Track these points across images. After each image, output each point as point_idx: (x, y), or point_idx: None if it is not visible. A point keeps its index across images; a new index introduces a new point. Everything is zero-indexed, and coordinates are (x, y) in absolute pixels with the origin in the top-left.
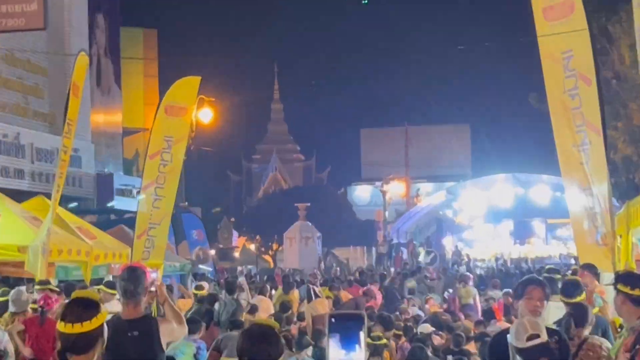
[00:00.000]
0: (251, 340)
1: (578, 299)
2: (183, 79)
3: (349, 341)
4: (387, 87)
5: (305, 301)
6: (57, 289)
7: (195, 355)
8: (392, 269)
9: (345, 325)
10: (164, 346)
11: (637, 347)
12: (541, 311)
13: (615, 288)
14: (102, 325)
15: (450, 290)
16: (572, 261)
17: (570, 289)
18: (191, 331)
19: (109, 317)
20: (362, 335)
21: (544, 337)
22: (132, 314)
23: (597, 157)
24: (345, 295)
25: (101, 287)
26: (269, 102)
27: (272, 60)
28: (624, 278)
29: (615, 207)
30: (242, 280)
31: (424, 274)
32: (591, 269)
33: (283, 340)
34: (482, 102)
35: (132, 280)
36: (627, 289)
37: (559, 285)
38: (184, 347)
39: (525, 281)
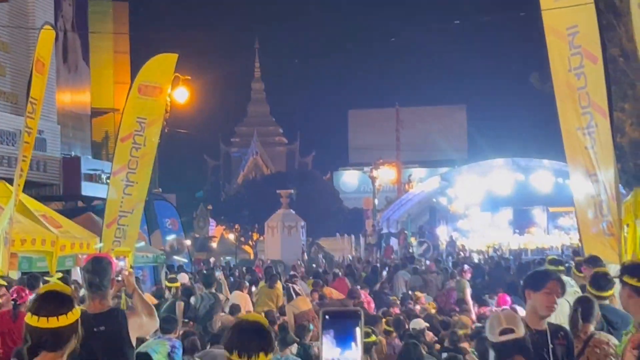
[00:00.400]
0: (243, 335)
1: (609, 292)
2: (158, 56)
3: (344, 339)
4: (377, 65)
5: (285, 300)
6: (4, 282)
7: (169, 354)
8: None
9: (340, 322)
10: (133, 341)
11: None
12: (555, 308)
13: (621, 280)
14: (77, 320)
15: (450, 284)
16: (572, 252)
17: (602, 282)
18: (166, 331)
19: None
20: (358, 332)
21: (520, 332)
22: (98, 308)
23: (604, 140)
24: (329, 292)
25: (55, 279)
26: (249, 81)
27: (253, 35)
28: (630, 269)
29: (622, 195)
30: (219, 274)
31: (417, 267)
32: (594, 262)
33: (273, 335)
34: (479, 82)
35: (97, 272)
36: (634, 281)
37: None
38: (158, 346)
39: (547, 275)
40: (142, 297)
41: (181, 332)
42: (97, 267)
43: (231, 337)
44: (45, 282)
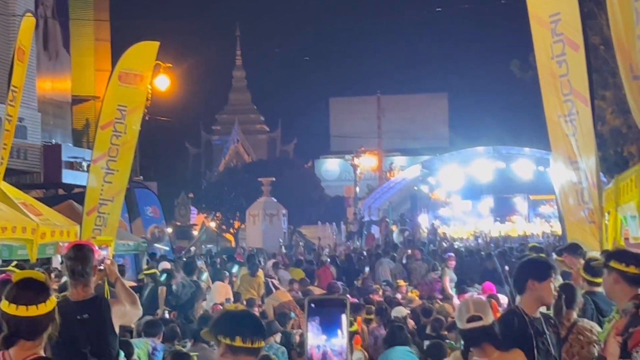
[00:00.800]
0: (241, 322)
1: (600, 279)
2: (139, 44)
3: (329, 326)
4: (359, 53)
5: (264, 294)
6: None
7: (149, 355)
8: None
9: (326, 310)
10: (117, 329)
11: (631, 330)
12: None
13: (607, 266)
14: (54, 308)
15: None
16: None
17: (596, 268)
18: (150, 334)
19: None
20: (344, 319)
21: (488, 320)
22: (81, 295)
23: (585, 128)
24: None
25: (11, 267)
26: (231, 69)
27: (234, 23)
28: (617, 255)
29: (602, 183)
30: (201, 264)
31: (397, 254)
32: (574, 249)
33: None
34: (461, 70)
35: (79, 259)
36: (621, 267)
37: None
38: (140, 343)
39: (549, 265)
40: (124, 286)
41: (159, 318)
42: (79, 255)
43: (231, 323)
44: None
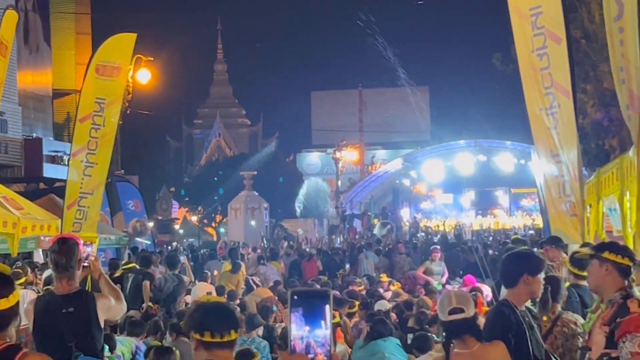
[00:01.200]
0: (212, 315)
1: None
2: (116, 36)
3: (313, 317)
4: (340, 47)
5: (244, 291)
6: None
7: (133, 354)
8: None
9: (309, 301)
10: (102, 323)
11: (618, 320)
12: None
13: (599, 257)
14: (18, 302)
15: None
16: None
17: (583, 260)
18: (134, 334)
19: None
20: (327, 310)
21: (470, 312)
22: (66, 289)
23: (566, 121)
24: None
25: None
26: (212, 62)
27: (215, 16)
28: (611, 247)
29: (584, 176)
30: (183, 259)
31: (381, 248)
32: (554, 242)
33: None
34: (442, 63)
35: (64, 252)
36: (617, 258)
37: None
38: (125, 340)
39: (542, 260)
40: (109, 282)
41: (143, 312)
42: (64, 248)
43: (200, 318)
44: None
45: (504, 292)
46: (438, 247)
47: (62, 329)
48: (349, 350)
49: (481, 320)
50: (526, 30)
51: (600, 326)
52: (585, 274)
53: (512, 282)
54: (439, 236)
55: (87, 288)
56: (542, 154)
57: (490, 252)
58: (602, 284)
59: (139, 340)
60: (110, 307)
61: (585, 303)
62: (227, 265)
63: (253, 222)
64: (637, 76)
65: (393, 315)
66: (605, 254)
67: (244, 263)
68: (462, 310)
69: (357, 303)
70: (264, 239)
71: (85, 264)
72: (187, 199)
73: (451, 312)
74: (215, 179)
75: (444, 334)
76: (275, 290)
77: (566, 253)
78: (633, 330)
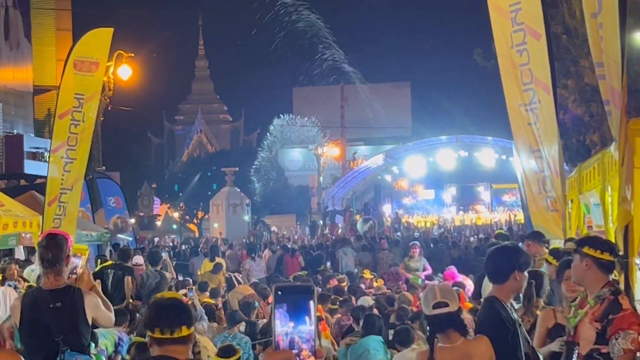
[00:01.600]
0: (162, 311)
1: None
2: (93, 31)
3: (297, 313)
4: (321, 42)
5: (227, 289)
6: None
7: (116, 345)
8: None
9: (293, 297)
10: (89, 320)
11: (611, 316)
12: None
13: (580, 252)
14: None
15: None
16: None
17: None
18: (116, 324)
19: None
20: (311, 305)
21: (454, 306)
22: (53, 284)
23: (547, 117)
24: None
25: None
26: (193, 59)
27: (197, 12)
28: (590, 241)
29: (565, 171)
30: (165, 256)
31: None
32: (536, 237)
33: (193, 311)
34: (423, 59)
35: (51, 247)
36: (596, 253)
37: None
38: (107, 333)
39: (564, 265)
40: (100, 294)
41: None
42: (52, 243)
43: (151, 315)
44: None
45: (486, 287)
46: (417, 242)
47: (50, 324)
48: (335, 343)
49: (465, 316)
50: (505, 26)
51: (591, 322)
52: None
53: (502, 278)
54: (419, 233)
55: None
56: (521, 150)
57: (473, 247)
58: (584, 278)
59: (121, 330)
60: (98, 306)
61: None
62: (207, 264)
63: (235, 218)
64: (617, 72)
65: (376, 311)
66: (585, 249)
67: (222, 259)
68: (446, 305)
69: (341, 299)
70: (250, 236)
71: (74, 275)
72: (167, 195)
73: (435, 306)
74: (197, 175)
75: (428, 328)
76: (256, 286)
77: (547, 248)
78: (626, 327)
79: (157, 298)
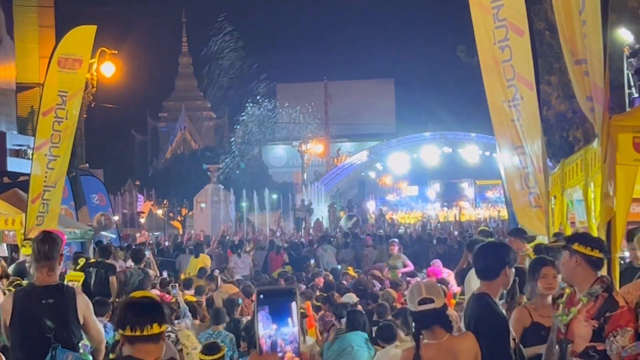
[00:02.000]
0: (133, 310)
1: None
2: (77, 29)
3: (279, 315)
4: (305, 39)
5: (214, 286)
6: None
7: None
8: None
9: (275, 299)
10: (80, 319)
11: (608, 314)
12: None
13: (569, 249)
14: None
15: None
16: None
17: (544, 251)
18: (99, 314)
19: None
20: (294, 307)
21: (439, 303)
22: (46, 280)
23: (530, 113)
24: None
25: None
26: (177, 55)
27: (180, 9)
28: (580, 238)
29: (548, 167)
30: (148, 254)
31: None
32: (518, 233)
33: (168, 310)
34: (407, 55)
35: (46, 241)
36: (586, 250)
37: None
38: None
39: (538, 263)
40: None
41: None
42: (47, 237)
43: (122, 314)
44: None
45: (470, 283)
46: (395, 240)
47: (41, 320)
48: (320, 339)
49: (450, 312)
50: (487, 22)
51: (586, 319)
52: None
53: (492, 275)
54: (402, 229)
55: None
56: (504, 146)
57: (456, 241)
58: (574, 275)
59: (104, 319)
60: (89, 306)
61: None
62: (192, 266)
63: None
64: (600, 69)
65: (360, 307)
66: (575, 246)
67: (207, 257)
68: (431, 301)
69: (325, 295)
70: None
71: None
72: (151, 192)
73: (421, 303)
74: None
75: (413, 324)
76: (240, 284)
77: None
78: (624, 325)
79: (129, 297)
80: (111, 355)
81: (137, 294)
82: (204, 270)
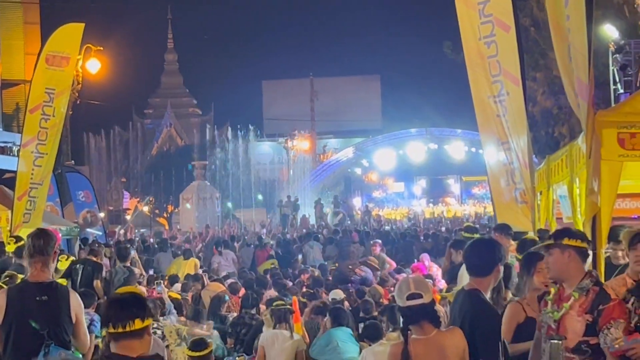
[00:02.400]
0: (115, 306)
1: None
2: (65, 26)
3: None
4: (292, 35)
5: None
6: None
7: (89, 327)
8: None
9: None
10: (73, 318)
11: (601, 307)
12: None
13: (559, 245)
14: None
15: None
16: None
17: (527, 246)
18: (85, 305)
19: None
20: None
21: (428, 297)
22: (40, 277)
23: (516, 108)
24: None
25: None
26: (163, 52)
27: (166, 5)
28: (568, 233)
29: (534, 163)
30: (133, 253)
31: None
32: (503, 229)
33: (151, 305)
34: (393, 52)
35: (42, 237)
36: (577, 243)
37: None
38: None
39: (532, 258)
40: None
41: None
42: (42, 233)
43: (105, 311)
44: None
45: (464, 280)
46: (378, 241)
47: (35, 316)
48: (307, 336)
49: (438, 307)
50: (473, 18)
51: (580, 314)
52: None
53: (485, 271)
54: (389, 225)
55: None
56: (489, 142)
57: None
58: (566, 271)
59: (91, 311)
60: (81, 306)
61: None
62: (181, 268)
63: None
64: (584, 64)
65: (346, 304)
66: (566, 241)
67: (197, 260)
68: (420, 296)
69: (311, 291)
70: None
71: None
72: (137, 189)
73: (409, 298)
74: (167, 168)
75: (401, 319)
76: (226, 280)
77: (514, 240)
78: (617, 317)
79: (112, 294)
80: (103, 333)
81: (121, 290)
82: (188, 285)
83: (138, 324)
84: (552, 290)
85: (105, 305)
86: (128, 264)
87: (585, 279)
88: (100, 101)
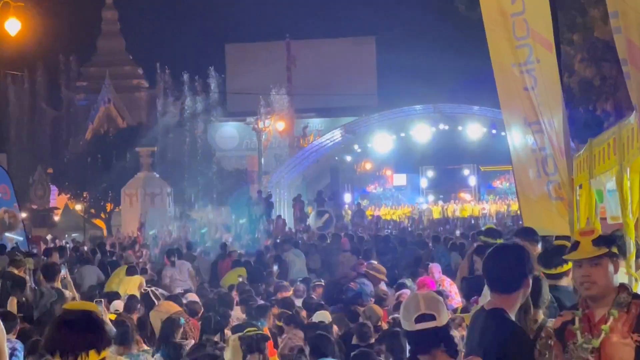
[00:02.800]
0: (66, 329)
1: (559, 270)
2: None
3: None
4: None
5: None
6: None
7: (10, 357)
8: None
9: None
10: None
11: None
12: None
13: (610, 254)
14: None
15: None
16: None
17: (550, 256)
18: (6, 331)
19: None
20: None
21: (442, 320)
22: None
23: (548, 80)
24: None
25: None
26: (99, 9)
27: None
28: (615, 238)
29: (571, 149)
30: (64, 272)
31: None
32: (528, 234)
33: (109, 327)
34: (392, 7)
35: None
36: (616, 250)
37: None
38: None
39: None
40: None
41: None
42: None
43: (52, 333)
44: None
45: (490, 297)
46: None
47: None
48: None
49: (454, 333)
50: None
51: (624, 336)
52: (559, 271)
53: (513, 287)
54: (389, 229)
55: None
56: (514, 123)
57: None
58: (611, 286)
59: (12, 337)
60: (2, 332)
61: (563, 308)
62: (123, 285)
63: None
64: (637, 23)
65: (336, 329)
66: (614, 249)
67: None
68: (432, 318)
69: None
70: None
71: None
72: (67, 183)
73: (419, 320)
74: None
75: (408, 347)
76: (179, 299)
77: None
78: None
79: (64, 310)
80: None
81: (74, 305)
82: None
83: (94, 356)
84: (577, 317)
85: (55, 325)
86: (56, 285)
87: (621, 293)
88: (21, 71)
